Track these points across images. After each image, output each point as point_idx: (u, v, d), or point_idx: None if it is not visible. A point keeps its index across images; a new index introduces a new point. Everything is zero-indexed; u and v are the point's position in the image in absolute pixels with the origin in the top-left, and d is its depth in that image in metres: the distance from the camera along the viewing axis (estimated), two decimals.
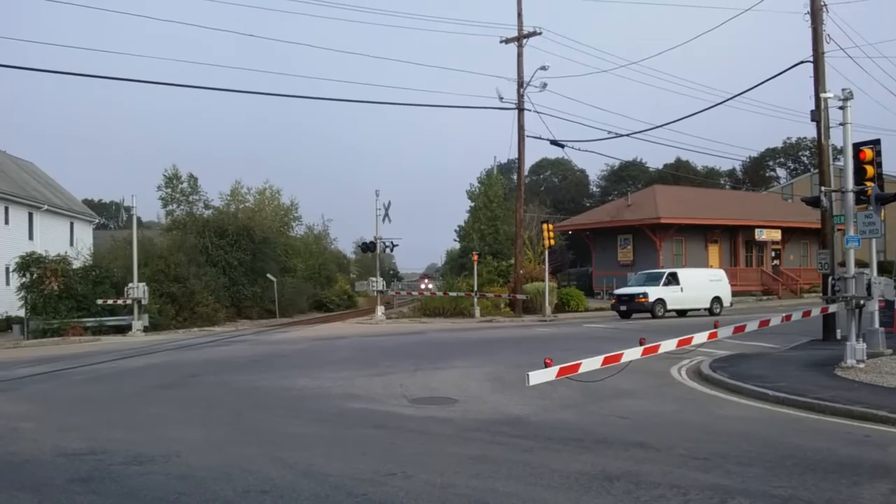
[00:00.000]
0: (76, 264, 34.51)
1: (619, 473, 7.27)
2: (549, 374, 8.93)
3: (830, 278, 15.20)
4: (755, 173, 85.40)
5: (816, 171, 26.33)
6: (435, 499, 6.54)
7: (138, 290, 30.47)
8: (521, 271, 37.45)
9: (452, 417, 10.67)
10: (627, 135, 35.74)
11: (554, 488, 6.85)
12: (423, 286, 72.44)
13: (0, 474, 7.85)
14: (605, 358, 9.57)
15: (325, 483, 7.12)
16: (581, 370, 9.27)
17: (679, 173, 69.75)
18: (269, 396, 12.95)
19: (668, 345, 10.47)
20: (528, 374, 8.80)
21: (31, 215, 41.92)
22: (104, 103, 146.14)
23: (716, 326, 11.30)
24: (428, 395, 12.61)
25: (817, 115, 20.90)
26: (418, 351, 20.57)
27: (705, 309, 33.13)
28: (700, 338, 10.92)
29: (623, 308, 32.58)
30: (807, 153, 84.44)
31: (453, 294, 37.70)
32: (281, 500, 6.61)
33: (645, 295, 32.18)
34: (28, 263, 31.88)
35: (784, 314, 13.26)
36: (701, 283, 33.91)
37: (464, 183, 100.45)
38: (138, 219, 33.94)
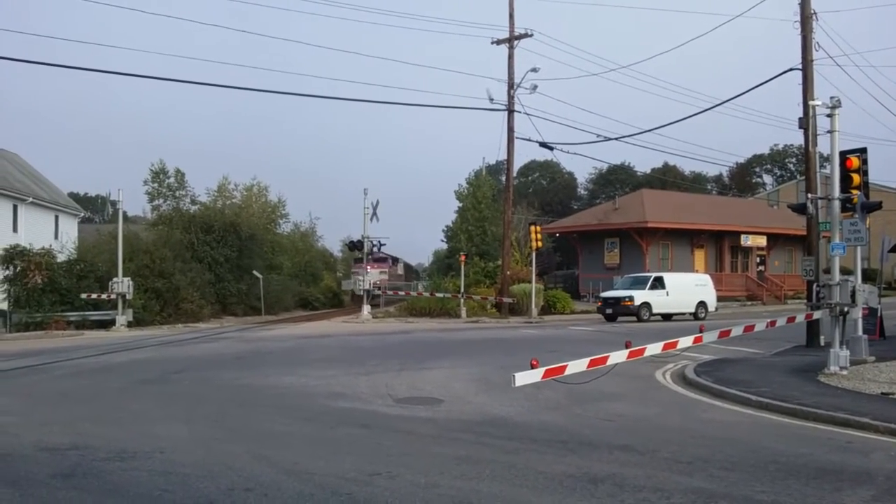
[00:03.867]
0: (60, 258, 34.23)
1: (603, 476, 7.29)
2: (535, 375, 8.94)
3: (815, 285, 15.34)
4: (741, 179, 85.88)
5: (803, 178, 26.56)
6: (419, 499, 6.54)
7: (123, 284, 30.26)
8: (508, 273, 37.48)
9: (437, 418, 10.68)
10: (616, 138, 35.76)
11: (538, 490, 6.85)
12: (368, 275, 41.06)
13: None
14: (591, 360, 9.60)
15: (309, 482, 7.10)
16: (567, 372, 9.29)
17: (666, 178, 70.01)
18: (254, 394, 12.91)
19: (654, 348, 10.51)
20: (513, 375, 8.81)
21: (15, 208, 41.52)
22: (92, 96, 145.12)
23: (701, 330, 11.34)
24: (413, 395, 12.60)
25: (805, 123, 21.03)
26: (404, 351, 20.56)
27: (690, 313, 33.29)
28: (685, 342, 10.96)
29: (609, 311, 32.66)
30: (793, 160, 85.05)
31: (440, 294, 37.67)
32: (265, 498, 6.58)
33: (631, 298, 32.30)
34: (12, 256, 31.60)
35: (769, 320, 13.35)
36: (687, 287, 34.08)
37: (452, 183, 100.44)
38: (124, 213, 33.70)
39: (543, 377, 9.08)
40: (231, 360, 18.58)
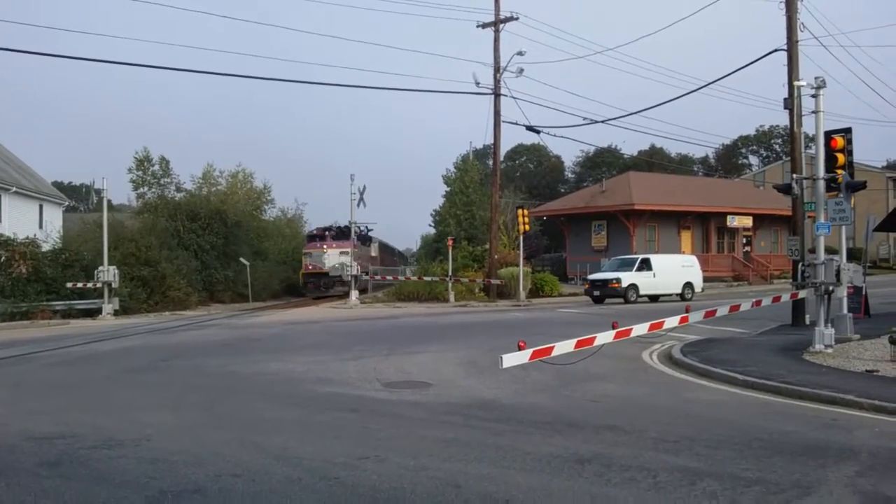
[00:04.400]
0: (45, 247, 33.98)
1: (590, 456, 7.33)
2: (522, 356, 8.97)
3: (800, 264, 15.40)
4: (728, 160, 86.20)
5: (788, 158, 26.68)
6: (408, 481, 6.55)
7: (108, 273, 30.05)
8: (496, 256, 37.53)
9: (425, 401, 10.69)
10: (603, 121, 35.88)
11: (526, 471, 6.89)
12: (326, 255, 41.56)
13: None
14: (579, 341, 9.63)
15: (298, 466, 7.10)
16: (554, 353, 9.32)
17: (653, 160, 70.23)
18: (242, 381, 12.88)
19: (640, 329, 10.56)
20: (501, 357, 8.84)
21: None
22: (74, 84, 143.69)
23: (687, 311, 11.41)
24: (401, 379, 12.61)
25: (790, 103, 21.10)
26: (392, 335, 20.56)
27: (677, 294, 33.46)
28: (671, 322, 11.02)
29: (596, 293, 32.77)
30: (779, 141, 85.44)
31: (428, 278, 37.68)
32: (253, 483, 6.58)
33: (618, 280, 32.41)
34: None
35: (754, 299, 13.44)
36: (673, 268, 34.23)
37: (440, 168, 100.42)
38: (109, 201, 33.46)
39: (531, 358, 9.11)
40: (218, 347, 18.53)
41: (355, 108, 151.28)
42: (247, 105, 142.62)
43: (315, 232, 47.36)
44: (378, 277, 44.38)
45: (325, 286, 41.75)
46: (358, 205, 37.38)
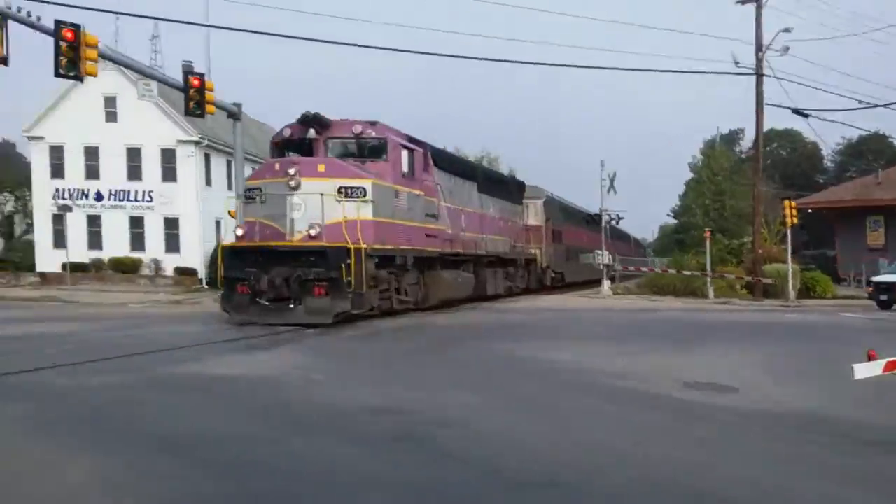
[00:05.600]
0: None
1: None
2: (874, 367, 7.99)
3: None
4: None
5: None
6: (776, 500, 6.01)
7: None
8: (760, 251, 35.05)
9: (738, 406, 9.93)
10: (884, 105, 32.18)
11: None
12: (278, 189, 15.65)
13: (316, 424, 8.29)
14: None
15: (637, 468, 6.78)
16: None
17: None
18: (534, 368, 12.83)
19: None
20: (853, 367, 7.91)
21: None
22: (343, 70, 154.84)
23: None
24: (700, 379, 11.85)
25: None
26: (663, 330, 19.75)
27: None
28: None
29: (883, 297, 29.19)
30: None
31: (687, 273, 35.85)
32: (602, 485, 6.35)
33: None
34: None
35: None
36: None
37: (682, 153, 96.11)
38: None
39: (884, 370, 8.10)
40: (495, 330, 18.86)
41: (584, 87, 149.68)
42: (499, 93, 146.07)
43: (288, 135, 19.52)
44: (632, 269, 42.66)
45: (273, 290, 17.04)
46: (608, 191, 36.58)
